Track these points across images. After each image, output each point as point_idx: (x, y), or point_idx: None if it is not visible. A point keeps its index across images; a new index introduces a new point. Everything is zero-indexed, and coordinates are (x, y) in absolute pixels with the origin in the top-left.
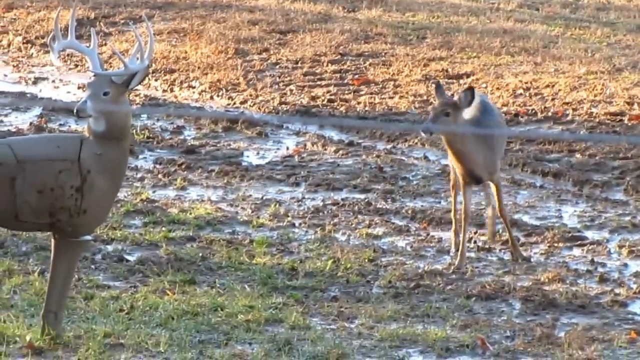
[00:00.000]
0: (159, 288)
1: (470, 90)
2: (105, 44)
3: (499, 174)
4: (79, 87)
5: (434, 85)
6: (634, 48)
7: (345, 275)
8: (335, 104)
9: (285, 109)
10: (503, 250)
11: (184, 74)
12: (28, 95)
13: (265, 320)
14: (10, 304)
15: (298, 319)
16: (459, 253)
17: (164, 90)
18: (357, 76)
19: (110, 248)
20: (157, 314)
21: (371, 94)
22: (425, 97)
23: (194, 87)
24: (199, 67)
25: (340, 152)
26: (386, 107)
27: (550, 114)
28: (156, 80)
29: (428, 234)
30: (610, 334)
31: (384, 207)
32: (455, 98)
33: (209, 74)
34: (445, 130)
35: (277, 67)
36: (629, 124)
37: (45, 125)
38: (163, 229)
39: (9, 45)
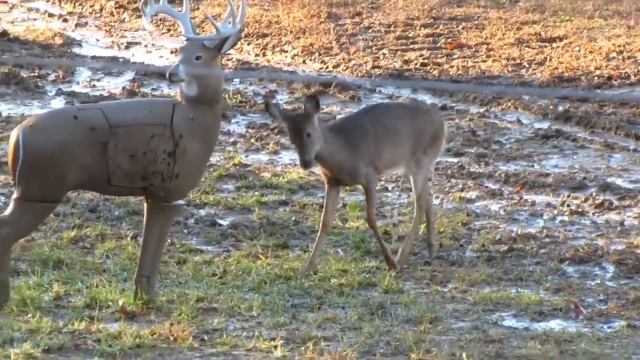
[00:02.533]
0: (251, 252)
1: (314, 97)
2: (198, 9)
3: (367, 178)
4: (171, 52)
5: (264, 104)
6: None
7: (438, 239)
8: (428, 67)
9: (378, 72)
10: (596, 214)
11: (276, 38)
12: (120, 59)
13: (358, 284)
14: (103, 268)
15: (391, 283)
16: (309, 259)
17: (257, 55)
18: (450, 40)
19: (203, 212)
20: (249, 278)
21: (464, 57)
22: (518, 61)
23: (286, 51)
24: (291, 31)
25: None
26: (479, 71)
27: None
28: (249, 44)
29: (521, 198)
30: None
31: (477, 170)
32: (300, 110)
33: (302, 38)
34: (317, 151)
35: (370, 30)
36: None
37: (137, 90)
38: (256, 193)
39: (101, 10)
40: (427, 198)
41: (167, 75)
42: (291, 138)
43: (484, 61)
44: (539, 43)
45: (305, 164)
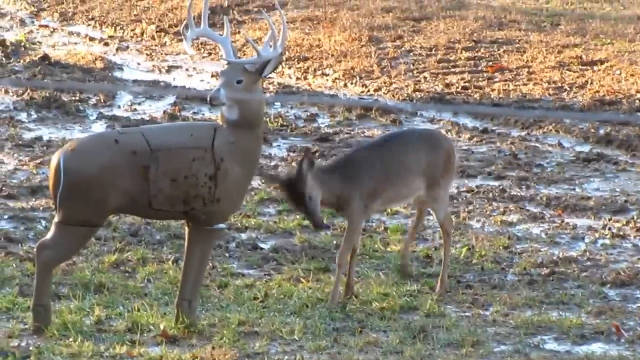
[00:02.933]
0: (293, 276)
1: (308, 156)
2: (239, 32)
3: (353, 217)
4: (212, 76)
5: (261, 180)
6: None
7: (479, 263)
8: (469, 91)
9: (419, 96)
10: (638, 237)
11: (317, 61)
12: (161, 83)
13: (399, 308)
14: (144, 292)
15: (433, 307)
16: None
17: (298, 78)
18: (491, 63)
19: (244, 236)
20: (291, 302)
21: (505, 80)
22: (559, 84)
23: (327, 75)
24: (332, 55)
25: (475, 139)
26: (520, 94)
27: None
28: (290, 68)
29: (562, 221)
30: None
31: (519, 194)
32: (294, 171)
33: (343, 62)
34: (320, 207)
35: (411, 54)
36: None
37: (178, 114)
38: (297, 217)
39: (142, 33)
40: (450, 221)
41: (208, 99)
42: (291, 205)
43: (525, 84)
44: (580, 66)
45: (318, 226)
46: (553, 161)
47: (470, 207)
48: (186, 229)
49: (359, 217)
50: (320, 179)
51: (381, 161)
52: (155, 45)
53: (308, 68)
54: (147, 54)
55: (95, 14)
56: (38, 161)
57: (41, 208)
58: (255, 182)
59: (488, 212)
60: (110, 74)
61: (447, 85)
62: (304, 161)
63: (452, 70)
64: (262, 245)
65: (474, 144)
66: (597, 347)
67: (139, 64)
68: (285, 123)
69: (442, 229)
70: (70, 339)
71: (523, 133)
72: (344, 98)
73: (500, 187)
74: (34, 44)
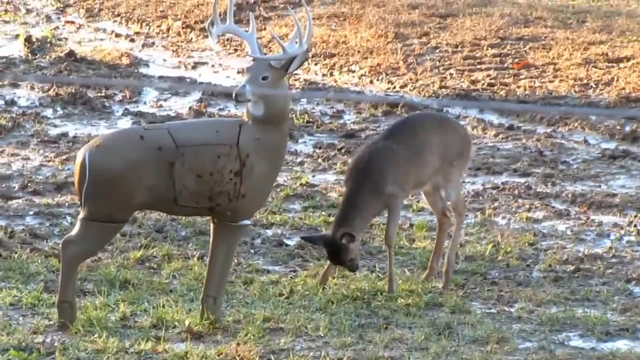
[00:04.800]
0: (318, 272)
1: (350, 235)
2: (265, 29)
3: (393, 200)
4: (238, 72)
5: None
6: None
7: (505, 259)
8: (495, 87)
9: (445, 92)
10: None
11: (343, 58)
12: (187, 79)
13: (425, 305)
14: (170, 288)
15: (458, 303)
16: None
17: (324, 75)
18: (517, 60)
19: (269, 232)
20: (316, 299)
21: (531, 77)
22: (585, 81)
23: (353, 71)
24: (358, 51)
25: (500, 135)
26: (546, 91)
27: None
28: (316, 64)
29: (588, 218)
30: None
31: (544, 190)
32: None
33: (369, 58)
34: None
35: (437, 51)
36: None
37: (204, 110)
38: (323, 213)
39: (168, 30)
40: (463, 204)
41: (234, 96)
42: (330, 261)
43: (551, 81)
44: (606, 63)
45: (355, 270)
46: (579, 158)
47: (496, 204)
48: (211, 225)
49: (399, 199)
50: (357, 238)
51: (399, 147)
52: (181, 42)
53: (334, 64)
54: (173, 50)
55: (121, 10)
56: (63, 157)
57: (66, 204)
58: (281, 178)
59: (513, 209)
60: (136, 70)
61: (473, 82)
62: (347, 238)
63: (478, 67)
64: (288, 242)
65: (500, 141)
66: (622, 345)
67: (164, 60)
68: (311, 119)
69: (455, 211)
70: (95, 335)
71: (549, 130)
72: (370, 94)
73: (526, 184)
74: (59, 40)
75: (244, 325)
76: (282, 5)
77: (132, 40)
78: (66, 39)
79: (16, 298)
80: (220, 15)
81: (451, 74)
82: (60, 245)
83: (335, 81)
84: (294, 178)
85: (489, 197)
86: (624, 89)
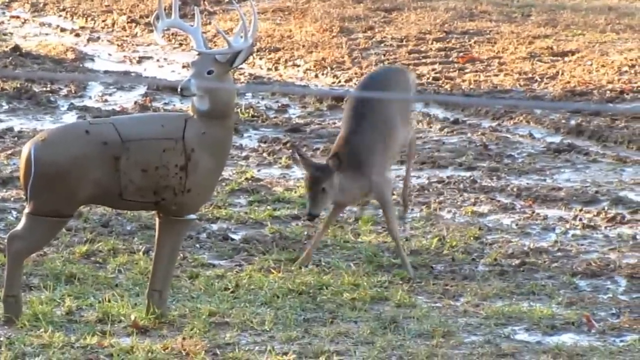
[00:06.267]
0: (264, 266)
1: (338, 157)
2: (210, 23)
3: (383, 193)
4: (183, 66)
5: (293, 153)
6: None
7: (450, 253)
8: (440, 81)
9: None
10: (608, 228)
11: (288, 52)
12: (132, 74)
13: (370, 299)
14: (115, 283)
15: (404, 297)
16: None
17: (269, 69)
18: (462, 54)
19: (215, 227)
20: (262, 293)
21: (476, 71)
22: (530, 75)
23: (298, 66)
24: (303, 46)
25: (446, 129)
26: (491, 85)
27: None
28: (261, 58)
29: (533, 212)
30: None
31: (489, 184)
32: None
33: (314, 52)
34: (327, 204)
35: (382, 45)
36: None
37: (149, 104)
38: (268, 207)
39: (113, 24)
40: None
41: (179, 90)
42: (306, 187)
43: (496, 75)
44: (551, 57)
45: (311, 217)
46: (524, 152)
47: (441, 198)
48: (157, 219)
49: (387, 189)
50: (342, 185)
51: (373, 132)
52: (126, 36)
53: (279, 59)
54: (118, 45)
55: (66, 5)
56: (9, 152)
57: (12, 199)
58: (226, 173)
59: (459, 203)
60: (81, 65)
61: (418, 76)
62: (334, 160)
63: (423, 61)
64: (233, 236)
65: (445, 135)
66: (568, 338)
67: (110, 54)
68: (256, 114)
69: (411, 147)
70: (41, 330)
71: (494, 124)
72: (315, 89)
73: (471, 178)
74: (5, 34)
75: (190, 320)
76: (227, 0)
77: (77, 35)
78: (11, 33)
79: None
80: (165, 9)
81: None
82: (5, 240)
83: (280, 75)
84: (239, 172)
85: (435, 191)
86: (569, 82)
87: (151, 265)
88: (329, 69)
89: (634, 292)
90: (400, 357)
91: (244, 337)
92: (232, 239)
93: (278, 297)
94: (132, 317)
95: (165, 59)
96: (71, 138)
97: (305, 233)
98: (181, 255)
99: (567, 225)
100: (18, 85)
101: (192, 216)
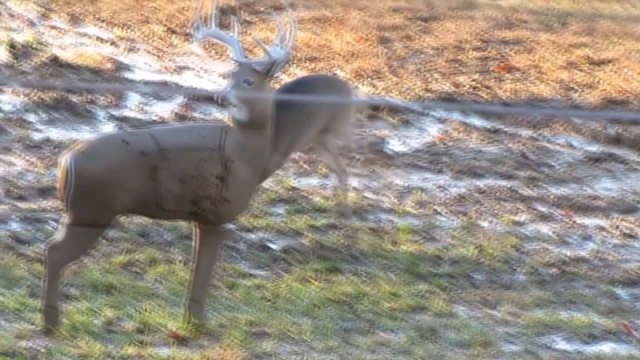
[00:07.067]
0: (302, 276)
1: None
2: (248, 33)
3: None
4: (221, 76)
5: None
6: None
7: (489, 263)
8: (479, 90)
9: (428, 96)
10: None
11: (326, 61)
12: (171, 84)
13: (409, 308)
14: (154, 293)
15: (442, 307)
16: None
17: None
18: (500, 63)
19: (253, 236)
20: (300, 302)
21: (514, 80)
22: (568, 84)
23: (336, 75)
24: (341, 55)
25: (484, 138)
26: (530, 94)
27: None
28: (299, 68)
29: (572, 221)
30: None
31: (528, 193)
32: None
33: (352, 62)
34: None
35: (420, 54)
36: None
37: (187, 114)
38: (306, 217)
39: (151, 34)
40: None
41: (217, 100)
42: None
43: (534, 84)
44: (590, 66)
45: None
46: (562, 161)
47: (480, 207)
48: (195, 229)
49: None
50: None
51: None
52: (164, 46)
53: (317, 68)
54: (156, 55)
55: (104, 15)
56: (47, 162)
57: (50, 209)
58: (265, 183)
59: (497, 212)
60: (119, 75)
61: (456, 85)
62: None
63: (461, 70)
64: (272, 246)
65: (484, 144)
66: (606, 347)
67: (148, 64)
68: None
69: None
70: (80, 340)
71: (533, 133)
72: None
73: (510, 187)
74: (43, 45)
75: (229, 330)
76: (265, 10)
77: (116, 45)
78: (50, 44)
79: (0, 303)
80: (203, 19)
81: (434, 77)
82: (44, 250)
83: None
84: (277, 182)
85: (473, 200)
86: (607, 91)
87: (190, 275)
88: (366, 78)
89: None
90: None
91: (283, 347)
92: (271, 249)
93: (317, 306)
94: (171, 327)
95: (203, 69)
96: (110, 148)
97: (344, 243)
98: (219, 265)
99: (606, 234)
100: (56, 96)
101: (230, 226)
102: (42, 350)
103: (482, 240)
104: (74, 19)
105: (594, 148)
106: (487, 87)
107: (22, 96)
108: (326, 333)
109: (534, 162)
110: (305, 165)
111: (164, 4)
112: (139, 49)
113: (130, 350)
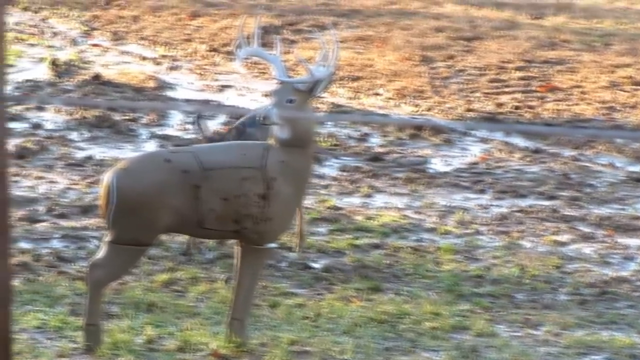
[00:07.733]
0: (344, 295)
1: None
2: (291, 52)
3: None
4: (263, 95)
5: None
6: None
7: (531, 282)
8: (521, 110)
9: (470, 115)
10: None
11: (369, 81)
12: (213, 102)
13: (451, 328)
14: (195, 311)
15: (484, 326)
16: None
17: (350, 98)
18: (542, 83)
19: (295, 255)
20: (342, 322)
21: (557, 100)
22: (611, 104)
23: (379, 95)
24: (384, 74)
25: (526, 158)
26: (572, 114)
27: None
28: (342, 87)
29: (614, 241)
30: None
31: (570, 213)
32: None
33: (395, 81)
34: None
35: (463, 73)
36: None
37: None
38: (348, 236)
39: (194, 53)
40: None
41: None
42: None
43: (577, 104)
44: (632, 86)
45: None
46: (605, 181)
47: (522, 227)
48: (237, 248)
49: None
50: None
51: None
52: (207, 65)
53: (360, 87)
54: (198, 73)
55: (147, 34)
56: (89, 180)
57: (92, 227)
58: (307, 202)
59: (539, 232)
60: (161, 93)
61: (499, 105)
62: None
63: (504, 89)
64: (314, 265)
65: (526, 164)
66: None
67: (190, 83)
68: (337, 142)
69: None
70: (121, 358)
71: (575, 153)
72: (396, 117)
73: (552, 207)
74: (85, 63)
75: (270, 348)
76: (308, 29)
77: (158, 63)
78: (92, 62)
79: (42, 321)
80: (246, 38)
81: (477, 97)
82: (86, 268)
83: (361, 104)
84: (319, 201)
85: (515, 220)
86: None
87: (231, 294)
88: (409, 97)
89: None
90: None
91: None
92: (313, 268)
93: (359, 326)
94: (213, 346)
95: (246, 87)
96: (152, 167)
97: (386, 262)
98: (261, 283)
99: None
100: (99, 114)
101: (273, 245)
102: None
103: (524, 260)
104: (117, 37)
105: (636, 168)
106: (530, 107)
107: (64, 114)
108: (368, 352)
109: (576, 182)
110: (347, 185)
111: (207, 23)
112: (181, 67)
113: None
